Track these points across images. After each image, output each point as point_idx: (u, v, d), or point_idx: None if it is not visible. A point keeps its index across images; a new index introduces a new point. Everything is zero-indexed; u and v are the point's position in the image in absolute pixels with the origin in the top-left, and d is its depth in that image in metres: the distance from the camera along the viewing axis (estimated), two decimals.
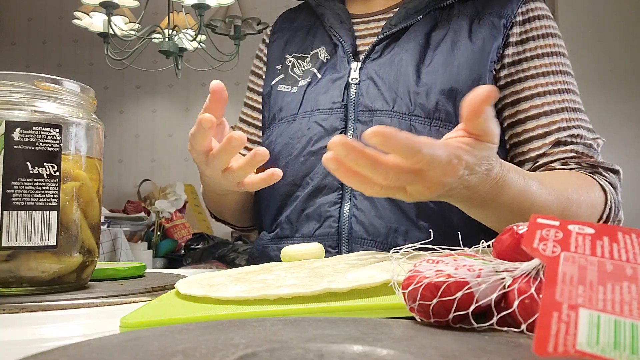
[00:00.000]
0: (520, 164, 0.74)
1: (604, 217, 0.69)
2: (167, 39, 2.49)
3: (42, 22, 4.05)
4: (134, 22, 2.54)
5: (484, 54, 0.72)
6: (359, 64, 0.76)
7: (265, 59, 0.90)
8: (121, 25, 2.51)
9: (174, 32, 2.53)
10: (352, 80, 0.75)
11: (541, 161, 0.71)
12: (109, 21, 2.32)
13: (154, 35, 2.57)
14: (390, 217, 0.70)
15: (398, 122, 0.70)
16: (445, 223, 0.70)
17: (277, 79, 0.83)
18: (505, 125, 0.75)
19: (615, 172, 0.73)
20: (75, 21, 2.55)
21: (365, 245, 0.70)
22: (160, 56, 2.84)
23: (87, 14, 2.49)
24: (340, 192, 0.72)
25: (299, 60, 0.82)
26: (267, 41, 0.91)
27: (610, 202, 0.68)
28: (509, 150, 0.76)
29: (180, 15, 2.61)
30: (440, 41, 0.75)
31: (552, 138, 0.71)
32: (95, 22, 2.52)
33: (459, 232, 0.56)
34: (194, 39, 2.47)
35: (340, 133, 0.73)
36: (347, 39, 0.79)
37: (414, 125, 0.70)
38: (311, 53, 0.82)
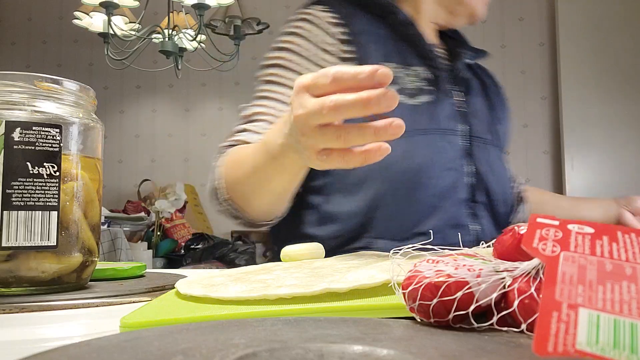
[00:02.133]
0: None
1: None
2: (167, 39, 2.49)
3: (42, 22, 4.05)
4: (134, 22, 2.54)
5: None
6: (461, 94, 0.88)
7: (353, 54, 0.81)
8: (121, 25, 2.51)
9: (174, 32, 2.53)
10: (462, 108, 0.86)
11: None
12: (109, 21, 2.32)
13: (154, 35, 2.57)
14: (493, 225, 0.84)
15: (497, 154, 0.90)
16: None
17: (393, 87, 0.83)
18: None
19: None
20: (75, 21, 2.55)
21: None
22: (160, 56, 2.84)
23: (87, 14, 2.49)
24: (470, 205, 0.83)
25: (402, 72, 0.82)
26: (350, 37, 0.82)
27: None
28: None
29: (180, 15, 2.61)
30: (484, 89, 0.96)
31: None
32: (95, 22, 2.52)
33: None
34: (194, 39, 2.47)
35: (467, 157, 0.84)
36: (446, 67, 0.88)
37: (497, 153, 0.90)
38: (411, 69, 0.83)
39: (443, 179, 0.80)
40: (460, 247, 0.79)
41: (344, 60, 0.81)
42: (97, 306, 0.44)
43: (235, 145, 0.79)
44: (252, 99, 0.85)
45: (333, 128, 0.48)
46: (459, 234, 0.78)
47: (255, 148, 0.69)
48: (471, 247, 0.78)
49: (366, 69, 0.44)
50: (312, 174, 0.78)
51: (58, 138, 0.47)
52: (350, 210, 0.79)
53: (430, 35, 0.93)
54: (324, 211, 0.82)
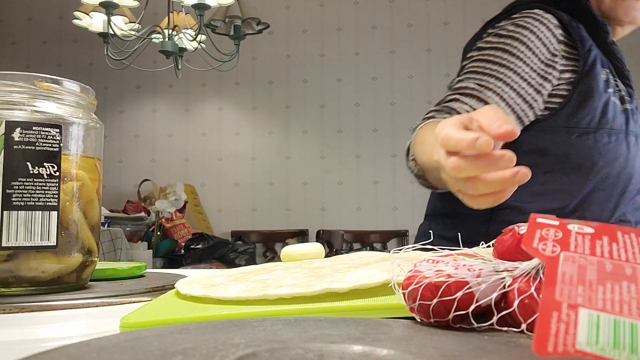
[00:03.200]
0: None
1: None
2: (167, 39, 2.49)
3: (42, 22, 4.05)
4: (134, 22, 2.54)
5: None
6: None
7: (574, 55, 0.90)
8: (121, 25, 2.51)
9: (174, 32, 2.53)
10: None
11: None
12: (109, 21, 2.32)
13: (154, 35, 2.57)
14: None
15: None
16: None
17: (610, 90, 0.91)
18: None
19: None
20: (75, 21, 2.55)
21: None
22: (160, 56, 2.84)
23: (87, 14, 2.49)
24: None
25: (612, 80, 0.92)
26: (573, 41, 0.90)
27: None
28: None
29: (180, 15, 2.61)
30: None
31: None
32: (95, 22, 2.52)
33: None
34: (194, 39, 2.47)
35: None
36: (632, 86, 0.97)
37: None
38: (613, 81, 0.92)
39: None
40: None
41: (567, 59, 0.89)
42: (97, 306, 0.44)
43: (443, 112, 0.84)
44: (463, 73, 0.89)
45: (461, 180, 0.52)
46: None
47: (431, 138, 0.71)
48: None
49: (467, 137, 0.47)
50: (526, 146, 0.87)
51: (58, 138, 0.47)
52: (572, 189, 0.88)
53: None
54: (535, 185, 0.85)
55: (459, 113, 0.82)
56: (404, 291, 0.28)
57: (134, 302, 0.46)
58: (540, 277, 0.25)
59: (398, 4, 3.76)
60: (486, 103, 0.83)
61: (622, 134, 0.89)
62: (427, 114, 0.86)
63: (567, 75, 0.89)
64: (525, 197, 0.87)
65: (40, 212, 0.46)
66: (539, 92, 0.88)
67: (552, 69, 0.88)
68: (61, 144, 0.48)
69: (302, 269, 0.44)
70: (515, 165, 0.48)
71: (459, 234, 0.54)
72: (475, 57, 0.90)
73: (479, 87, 0.84)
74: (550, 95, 0.89)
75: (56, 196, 0.47)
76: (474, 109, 0.82)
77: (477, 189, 0.51)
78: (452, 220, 0.96)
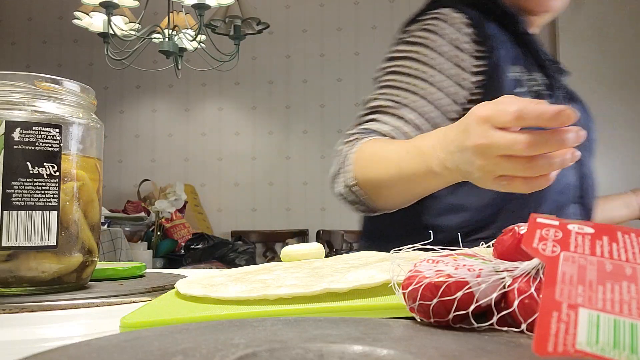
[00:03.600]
0: None
1: None
2: (167, 39, 2.49)
3: (42, 22, 4.05)
4: (134, 22, 2.54)
5: None
6: (567, 102, 0.92)
7: (482, 54, 0.85)
8: (121, 25, 2.51)
9: (174, 32, 2.53)
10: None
11: None
12: (109, 21, 2.32)
13: (154, 35, 2.57)
14: None
15: (592, 160, 0.94)
16: None
17: (519, 90, 0.86)
18: None
19: None
20: (75, 21, 2.55)
21: None
22: (160, 56, 2.84)
23: (87, 14, 2.49)
24: (578, 204, 0.89)
25: (526, 77, 0.88)
26: (482, 39, 0.86)
27: None
28: None
29: (180, 15, 2.60)
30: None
31: None
32: (95, 22, 2.52)
33: None
34: (194, 39, 2.47)
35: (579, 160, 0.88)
36: (557, 76, 0.93)
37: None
38: (532, 74, 0.88)
39: (564, 177, 0.86)
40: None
41: (477, 58, 0.85)
42: (97, 306, 0.44)
43: (364, 133, 0.81)
44: (377, 87, 0.86)
45: (523, 160, 0.51)
46: None
47: (404, 150, 0.70)
48: None
49: (551, 109, 0.47)
50: None
51: (58, 138, 0.47)
52: (481, 202, 0.84)
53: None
54: (447, 202, 0.85)
55: (382, 134, 0.80)
56: (404, 291, 0.28)
57: (134, 302, 0.46)
58: (540, 277, 0.25)
59: (398, 4, 3.76)
60: (406, 120, 0.81)
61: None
62: (348, 137, 0.82)
63: (479, 77, 0.85)
64: (439, 213, 0.86)
65: (40, 212, 0.46)
66: (455, 101, 0.84)
67: (465, 72, 0.84)
68: (61, 144, 0.48)
69: (302, 269, 0.44)
70: None
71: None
72: (388, 69, 0.86)
73: (395, 104, 0.82)
74: (469, 102, 0.85)
75: (56, 196, 0.47)
76: (396, 127, 0.81)
77: (537, 171, 0.50)
78: (379, 242, 0.91)
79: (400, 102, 0.82)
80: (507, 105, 0.50)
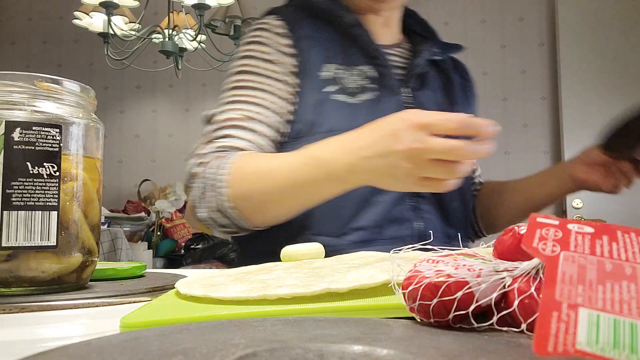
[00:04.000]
0: None
1: None
2: (167, 39, 2.49)
3: (42, 22, 4.05)
4: (134, 22, 2.54)
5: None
6: (409, 90, 0.88)
7: (295, 57, 0.87)
8: (121, 25, 2.51)
9: (174, 32, 2.53)
10: (406, 105, 0.86)
11: None
12: (109, 21, 2.32)
13: (154, 35, 2.57)
14: (442, 218, 0.86)
15: None
16: (464, 222, 0.92)
17: (331, 88, 0.84)
18: None
19: None
20: (75, 21, 2.55)
21: (432, 244, 0.84)
22: (160, 56, 2.84)
23: (87, 14, 2.49)
24: (413, 199, 0.84)
25: (346, 73, 0.85)
26: (293, 41, 0.87)
27: None
28: None
29: (180, 15, 2.61)
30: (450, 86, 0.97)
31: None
32: (95, 22, 2.52)
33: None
34: (194, 39, 2.47)
35: None
36: (392, 65, 0.89)
37: None
38: (356, 68, 0.86)
39: None
40: (401, 240, 0.80)
41: (294, 63, 0.86)
42: (97, 306, 0.44)
43: (223, 151, 0.80)
44: (221, 104, 0.87)
45: (451, 164, 0.58)
46: (399, 228, 0.81)
47: (295, 161, 0.70)
48: (413, 242, 0.81)
49: (485, 123, 0.56)
50: None
51: (58, 138, 0.47)
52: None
53: (383, 35, 0.95)
54: (299, 225, 0.82)
55: (237, 148, 0.80)
56: (404, 291, 0.28)
57: (134, 302, 0.46)
58: (540, 277, 0.25)
59: None
60: (258, 132, 0.82)
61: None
62: (201, 158, 0.80)
63: (297, 79, 0.86)
64: (290, 237, 0.82)
65: (40, 212, 0.46)
66: (289, 103, 0.85)
67: (289, 75, 0.86)
68: (61, 144, 0.48)
69: (302, 269, 0.44)
70: None
71: None
72: (230, 84, 0.88)
73: (243, 117, 0.83)
74: (293, 104, 0.85)
75: (56, 196, 0.47)
76: (251, 141, 0.81)
77: (458, 174, 0.58)
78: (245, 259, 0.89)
79: (249, 116, 0.83)
80: (448, 116, 0.56)
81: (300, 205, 0.75)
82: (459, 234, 0.88)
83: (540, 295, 0.21)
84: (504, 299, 0.26)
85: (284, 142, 0.84)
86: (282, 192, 0.72)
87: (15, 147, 0.45)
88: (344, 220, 0.81)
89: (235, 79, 0.88)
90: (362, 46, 0.88)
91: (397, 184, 0.62)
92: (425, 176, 0.59)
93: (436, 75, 0.96)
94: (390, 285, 0.32)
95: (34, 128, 0.46)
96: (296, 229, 0.81)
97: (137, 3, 2.49)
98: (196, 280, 0.43)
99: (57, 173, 0.47)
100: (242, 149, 0.80)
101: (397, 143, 0.58)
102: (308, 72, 0.85)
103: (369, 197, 0.81)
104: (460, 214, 0.92)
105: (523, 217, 0.94)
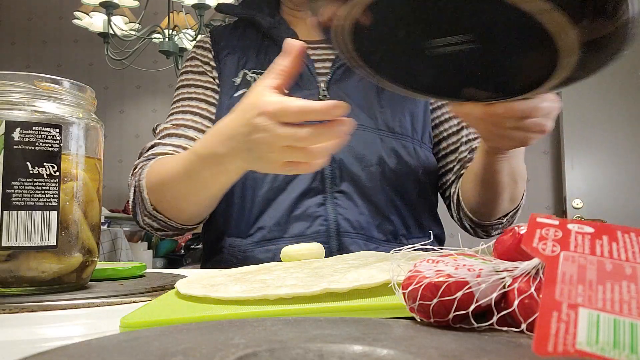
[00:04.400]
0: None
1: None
2: (167, 39, 2.50)
3: (42, 22, 4.05)
4: (134, 22, 2.54)
5: None
6: (326, 84, 0.87)
7: (215, 69, 0.93)
8: (121, 25, 2.51)
9: (174, 32, 2.53)
10: (322, 97, 0.86)
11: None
12: (109, 21, 2.32)
13: (154, 35, 2.57)
14: (367, 212, 0.83)
15: (371, 136, 0.85)
16: (413, 215, 0.88)
17: (240, 92, 0.88)
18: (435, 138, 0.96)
19: None
20: (75, 21, 2.55)
21: (353, 239, 0.82)
22: (160, 56, 2.84)
23: (87, 14, 2.50)
24: (324, 194, 0.83)
25: (259, 76, 0.87)
26: (213, 53, 0.94)
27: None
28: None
29: (180, 15, 2.61)
30: None
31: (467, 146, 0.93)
32: (95, 22, 2.52)
33: (423, 223, 0.90)
34: (194, 39, 2.47)
35: None
36: (309, 61, 0.89)
37: (381, 137, 0.86)
38: (253, 78, 0.89)
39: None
40: (310, 237, 0.80)
41: (215, 77, 0.93)
42: (97, 306, 0.44)
43: (149, 159, 0.84)
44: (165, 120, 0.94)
45: (303, 150, 0.58)
46: (307, 225, 0.81)
47: (184, 157, 0.73)
48: (328, 238, 0.80)
49: (326, 104, 0.55)
50: None
51: (58, 138, 0.47)
52: (215, 212, 0.86)
53: (311, 31, 0.94)
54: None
55: (163, 154, 0.84)
56: (404, 291, 0.28)
57: (134, 302, 0.46)
58: (540, 277, 0.25)
59: None
60: (187, 137, 0.87)
61: None
62: (133, 169, 0.85)
63: (219, 88, 0.92)
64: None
65: (40, 212, 0.46)
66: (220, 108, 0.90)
67: (216, 85, 0.93)
68: (61, 144, 0.48)
69: (302, 269, 0.44)
70: None
71: None
72: (173, 100, 0.96)
73: (173, 126, 0.89)
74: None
75: (56, 196, 0.47)
76: (178, 146, 0.86)
77: (313, 157, 0.59)
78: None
79: (179, 124, 0.89)
80: (291, 102, 0.56)
81: (204, 198, 0.77)
82: (408, 226, 0.86)
83: (540, 295, 0.21)
84: (504, 299, 0.26)
85: None
86: (180, 187, 0.75)
87: (15, 147, 0.45)
88: (250, 221, 0.84)
89: (175, 94, 0.96)
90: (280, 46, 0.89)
91: (267, 167, 0.62)
92: (289, 161, 0.60)
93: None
94: (390, 285, 0.32)
95: (34, 128, 0.46)
96: (218, 233, 0.88)
97: (137, 3, 2.49)
98: (196, 280, 0.43)
99: (57, 173, 0.47)
100: (168, 154, 0.84)
101: (252, 132, 0.59)
102: (225, 80, 0.91)
103: (273, 197, 0.83)
104: (419, 206, 0.89)
105: (484, 194, 0.84)
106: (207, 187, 0.72)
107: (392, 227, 0.85)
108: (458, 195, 0.91)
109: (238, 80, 0.90)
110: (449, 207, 0.96)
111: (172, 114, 0.92)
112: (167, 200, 0.79)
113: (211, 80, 0.93)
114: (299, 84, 0.86)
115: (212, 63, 0.94)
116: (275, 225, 0.82)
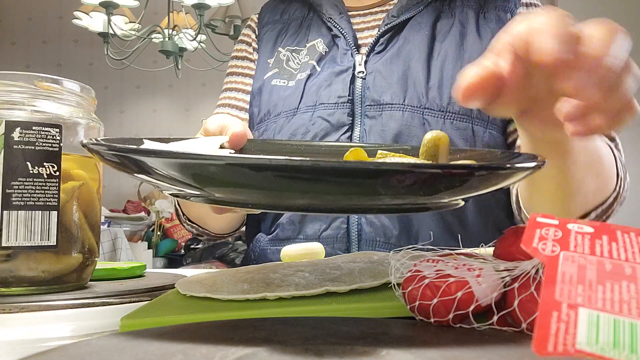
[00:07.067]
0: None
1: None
2: (167, 39, 2.50)
3: (42, 22, 4.05)
4: (134, 22, 2.54)
5: None
6: (364, 57, 0.75)
7: (257, 50, 0.87)
8: (121, 25, 2.51)
9: (174, 32, 2.53)
10: (358, 73, 0.74)
11: None
12: (109, 21, 2.32)
13: (154, 35, 2.57)
14: (401, 218, 0.68)
15: (410, 116, 0.69)
16: (460, 223, 0.70)
17: (270, 74, 0.80)
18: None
19: (612, 139, 0.69)
20: (75, 21, 2.55)
21: (378, 247, 0.68)
22: (160, 56, 2.84)
23: (87, 14, 2.50)
24: None
25: (293, 54, 0.80)
26: (257, 32, 0.88)
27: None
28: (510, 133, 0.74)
29: (180, 15, 2.61)
30: (447, 33, 0.75)
31: None
32: (95, 22, 2.52)
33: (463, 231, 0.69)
34: (194, 39, 2.47)
35: (348, 128, 0.72)
36: (349, 31, 0.77)
37: (426, 118, 0.69)
38: (307, 45, 0.80)
39: None
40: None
41: (255, 59, 0.87)
42: (97, 306, 0.44)
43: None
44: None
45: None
46: (323, 225, 0.74)
47: None
48: (341, 243, 0.70)
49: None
50: None
51: (58, 138, 0.47)
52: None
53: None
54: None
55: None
56: (404, 291, 0.28)
57: (134, 302, 0.46)
58: (540, 277, 0.25)
59: None
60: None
61: (290, 115, 0.75)
62: None
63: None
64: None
65: (40, 212, 0.46)
66: None
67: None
68: (61, 144, 0.48)
69: (302, 269, 0.44)
70: None
71: None
72: (223, 88, 0.90)
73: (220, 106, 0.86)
74: None
75: (56, 196, 0.47)
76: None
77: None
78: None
79: (224, 104, 0.85)
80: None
81: (221, 222, 0.77)
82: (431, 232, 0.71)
83: (540, 295, 0.21)
84: (504, 299, 0.26)
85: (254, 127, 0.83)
86: (196, 208, 0.74)
87: (15, 147, 0.45)
88: (272, 216, 0.78)
89: (225, 80, 0.90)
90: (321, 16, 0.80)
91: None
92: None
93: (431, 18, 0.76)
94: (390, 285, 0.32)
95: (34, 128, 0.46)
96: (255, 228, 0.82)
97: (137, 3, 2.49)
98: (196, 280, 0.43)
99: (57, 173, 0.47)
100: None
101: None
102: (261, 62, 0.84)
103: None
104: (486, 211, 0.74)
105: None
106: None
107: (427, 237, 0.68)
108: (517, 198, 0.70)
109: (271, 60, 0.82)
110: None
111: (218, 105, 0.88)
112: (193, 217, 0.78)
113: (251, 65, 0.87)
114: (335, 57, 0.77)
115: (254, 45, 0.87)
116: (289, 224, 0.73)
